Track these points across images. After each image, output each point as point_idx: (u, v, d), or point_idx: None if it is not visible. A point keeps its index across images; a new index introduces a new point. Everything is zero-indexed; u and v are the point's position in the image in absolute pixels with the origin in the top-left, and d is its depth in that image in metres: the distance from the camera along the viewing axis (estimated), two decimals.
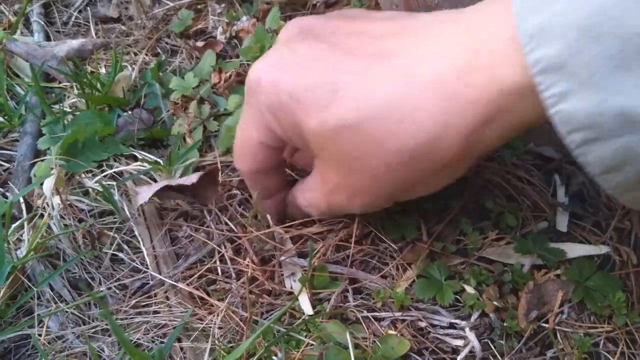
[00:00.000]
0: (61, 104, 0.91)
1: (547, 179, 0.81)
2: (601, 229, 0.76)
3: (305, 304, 0.69)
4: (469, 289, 0.70)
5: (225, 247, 0.75)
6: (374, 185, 0.56)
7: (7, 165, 0.88)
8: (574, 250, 0.72)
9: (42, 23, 1.13)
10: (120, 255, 0.75)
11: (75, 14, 1.16)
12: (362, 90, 0.53)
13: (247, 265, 0.72)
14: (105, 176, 0.81)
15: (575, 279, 0.69)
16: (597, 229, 0.76)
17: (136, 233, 0.76)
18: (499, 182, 0.79)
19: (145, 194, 0.75)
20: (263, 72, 0.58)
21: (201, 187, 0.80)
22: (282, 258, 0.74)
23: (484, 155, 0.56)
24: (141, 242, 0.75)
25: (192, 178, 0.78)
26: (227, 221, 0.78)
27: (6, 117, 0.91)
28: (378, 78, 0.52)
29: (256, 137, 0.63)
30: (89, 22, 1.14)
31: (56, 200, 0.73)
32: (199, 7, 1.12)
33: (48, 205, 0.75)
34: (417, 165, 0.53)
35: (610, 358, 0.66)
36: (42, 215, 0.75)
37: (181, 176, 0.83)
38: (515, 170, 0.81)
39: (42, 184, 0.76)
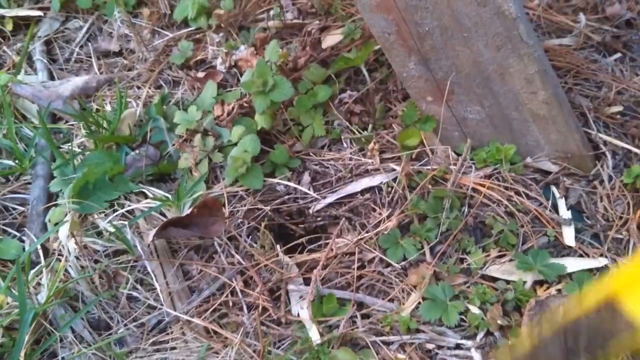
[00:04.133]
0: (70, 144, 0.94)
1: (545, 193, 0.83)
2: (599, 240, 0.78)
3: (313, 332, 0.71)
4: (474, 309, 0.72)
5: (235, 280, 0.77)
6: None
7: (21, 208, 0.90)
8: (574, 264, 0.75)
9: (45, 61, 1.16)
10: (136, 293, 0.78)
11: (76, 49, 1.19)
12: None
13: (257, 297, 0.75)
14: (116, 216, 0.84)
15: (575, 293, 0.71)
16: (596, 240, 0.78)
17: (149, 270, 0.79)
18: (499, 199, 0.81)
19: (151, 234, 0.78)
20: None
21: (204, 220, 0.82)
22: (290, 287, 0.77)
23: None
24: (155, 279, 0.77)
25: (187, 210, 0.81)
26: (236, 254, 0.80)
27: (17, 162, 0.94)
28: None
29: None
30: (90, 57, 1.16)
31: (72, 244, 0.76)
32: (197, 37, 1.15)
33: (64, 249, 0.78)
34: None
35: None
36: (59, 259, 0.78)
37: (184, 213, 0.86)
38: (514, 185, 0.83)
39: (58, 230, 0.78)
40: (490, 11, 0.72)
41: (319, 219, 0.87)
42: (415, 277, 0.76)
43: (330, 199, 0.87)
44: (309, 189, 0.89)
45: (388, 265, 0.77)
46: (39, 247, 0.80)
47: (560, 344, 0.47)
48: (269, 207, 0.86)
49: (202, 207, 0.80)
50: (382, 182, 0.87)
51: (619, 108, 0.88)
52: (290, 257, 0.80)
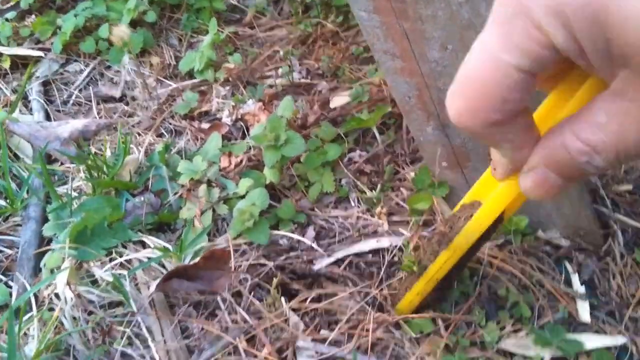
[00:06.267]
0: (67, 187, 0.90)
1: (558, 267, 0.82)
2: (615, 318, 0.77)
3: None
4: None
5: (239, 339, 0.73)
6: None
7: (9, 251, 0.85)
8: (592, 341, 0.73)
9: (42, 101, 1.13)
10: (130, 350, 0.72)
11: (75, 92, 1.17)
12: None
13: (264, 357, 0.71)
14: (114, 265, 0.79)
15: None
16: (611, 317, 0.77)
17: (144, 327, 0.74)
18: (512, 271, 0.80)
19: (153, 285, 0.74)
20: None
21: (210, 274, 0.79)
22: (298, 344, 0.73)
23: None
24: (150, 337, 0.72)
25: (195, 260, 0.77)
26: (241, 311, 0.76)
27: (8, 201, 0.89)
28: None
29: (510, 61, 0.37)
30: (90, 101, 1.14)
31: (68, 293, 0.71)
32: (202, 88, 1.14)
33: (58, 298, 0.72)
34: None
35: None
36: (50, 308, 0.73)
37: (190, 262, 0.82)
38: (526, 258, 0.81)
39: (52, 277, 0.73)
40: None
41: (323, 276, 0.84)
42: (429, 347, 0.73)
43: (336, 256, 0.85)
44: (312, 243, 0.87)
45: (400, 327, 0.74)
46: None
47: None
48: (272, 263, 0.83)
49: (209, 259, 0.77)
50: (390, 245, 0.85)
51: (629, 187, 0.89)
52: (297, 313, 0.77)
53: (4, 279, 0.81)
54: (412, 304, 0.73)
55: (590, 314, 0.76)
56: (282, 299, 0.78)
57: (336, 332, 0.74)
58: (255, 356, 0.72)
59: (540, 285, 0.79)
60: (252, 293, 0.80)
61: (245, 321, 0.75)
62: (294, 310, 0.77)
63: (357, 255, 0.85)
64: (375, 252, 0.86)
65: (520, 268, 0.80)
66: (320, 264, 0.84)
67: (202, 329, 0.75)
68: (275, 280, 0.77)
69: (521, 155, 0.42)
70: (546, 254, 0.83)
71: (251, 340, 0.74)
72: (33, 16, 1.25)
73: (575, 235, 0.84)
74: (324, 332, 0.75)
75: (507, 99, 0.37)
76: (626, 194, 0.88)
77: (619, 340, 0.73)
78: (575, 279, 0.80)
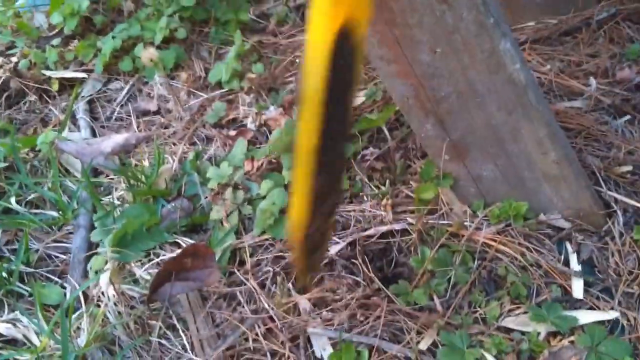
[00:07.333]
0: (110, 197, 1.01)
1: (558, 248, 0.87)
2: (610, 294, 0.81)
3: None
4: (490, 358, 0.75)
5: (259, 327, 0.82)
6: None
7: (63, 257, 0.97)
8: (585, 316, 0.78)
9: (88, 119, 1.25)
10: (166, 340, 0.83)
11: (117, 108, 1.28)
12: None
13: (279, 344, 0.80)
14: (152, 264, 0.89)
15: (587, 345, 0.74)
16: (607, 293, 0.81)
17: (175, 320, 0.84)
18: (511, 253, 0.85)
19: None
20: None
21: (199, 272, 0.87)
22: (311, 329, 0.81)
23: None
24: (182, 327, 0.82)
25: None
26: (259, 301, 0.85)
27: (60, 213, 1.01)
28: None
29: None
30: (130, 116, 1.25)
31: (111, 291, 0.82)
32: (229, 97, 1.23)
33: (104, 295, 0.83)
34: None
35: None
36: (98, 305, 0.84)
37: (219, 260, 0.91)
38: (526, 240, 0.87)
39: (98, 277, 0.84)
40: (501, 79, 0.78)
41: (337, 260, 0.91)
42: (426, 318, 0.80)
43: (347, 241, 0.92)
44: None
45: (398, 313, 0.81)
46: (80, 293, 0.86)
47: None
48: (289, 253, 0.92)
49: (193, 255, 0.85)
50: (396, 229, 0.92)
51: (629, 167, 0.92)
52: (310, 301, 0.85)
53: (59, 281, 0.93)
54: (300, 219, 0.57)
55: (586, 291, 0.81)
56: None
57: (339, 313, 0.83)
58: (273, 342, 0.80)
59: (538, 265, 0.84)
60: (274, 285, 0.89)
61: (264, 310, 0.84)
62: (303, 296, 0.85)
63: (369, 237, 0.92)
64: (384, 235, 0.93)
65: (520, 250, 0.85)
66: (334, 250, 0.92)
67: (226, 318, 0.84)
68: (279, 279, 0.86)
69: None
70: (547, 236, 0.88)
71: (270, 328, 0.83)
72: (76, 41, 1.37)
73: (576, 217, 0.89)
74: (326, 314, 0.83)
75: None
76: (627, 175, 0.92)
77: (611, 314, 0.78)
78: (573, 259, 0.85)
